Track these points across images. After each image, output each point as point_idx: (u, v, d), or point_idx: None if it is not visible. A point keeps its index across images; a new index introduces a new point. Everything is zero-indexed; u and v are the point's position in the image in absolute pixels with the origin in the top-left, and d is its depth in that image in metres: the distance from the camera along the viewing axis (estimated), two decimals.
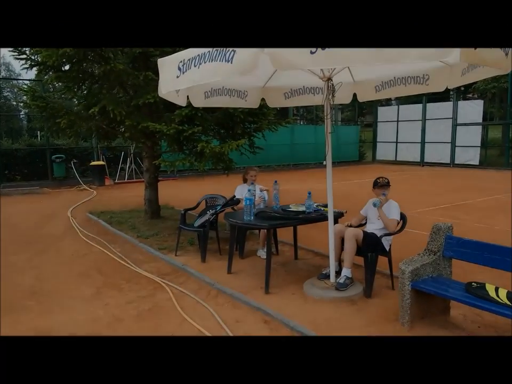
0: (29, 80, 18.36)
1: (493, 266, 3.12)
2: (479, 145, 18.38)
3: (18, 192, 11.69)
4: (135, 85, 6.25)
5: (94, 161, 13.92)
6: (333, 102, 3.85)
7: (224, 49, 2.61)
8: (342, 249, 4.12)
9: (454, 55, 2.33)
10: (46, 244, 6.16)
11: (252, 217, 4.20)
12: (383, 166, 20.57)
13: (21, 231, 7.02)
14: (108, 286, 4.39)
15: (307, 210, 4.34)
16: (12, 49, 6.10)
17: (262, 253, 5.17)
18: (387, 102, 27.19)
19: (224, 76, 2.66)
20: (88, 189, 12.47)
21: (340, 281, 3.94)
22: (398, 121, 21.54)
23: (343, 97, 4.66)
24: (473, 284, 3.09)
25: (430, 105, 20.08)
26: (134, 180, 14.04)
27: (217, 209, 5.26)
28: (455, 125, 18.89)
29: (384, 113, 22.61)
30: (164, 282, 4.42)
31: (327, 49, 2.40)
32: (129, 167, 14.46)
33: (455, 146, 18.94)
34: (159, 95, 3.75)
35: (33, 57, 6.22)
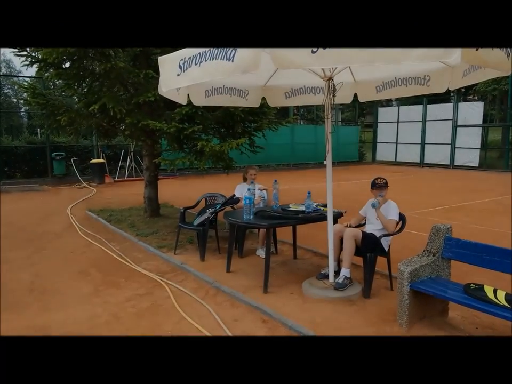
0: (29, 77, 18.34)
1: (492, 268, 3.12)
2: (479, 147, 18.39)
3: (18, 189, 11.68)
4: (135, 83, 6.24)
5: (94, 159, 13.92)
6: (334, 102, 3.85)
7: (226, 47, 2.61)
8: (341, 249, 4.12)
9: (455, 55, 2.33)
10: (46, 241, 6.16)
11: (251, 217, 4.20)
12: (382, 166, 20.58)
13: (21, 228, 7.01)
14: (106, 284, 4.39)
15: (306, 210, 4.34)
16: None
17: (261, 252, 5.17)
18: (387, 103, 27.21)
19: (225, 74, 2.66)
20: (88, 186, 12.47)
21: (339, 281, 3.94)
22: (398, 122, 21.55)
23: (343, 97, 4.65)
24: (471, 285, 3.09)
25: (430, 107, 20.09)
26: (134, 178, 14.04)
27: (217, 208, 5.26)
28: (455, 127, 18.90)
29: (384, 114, 22.62)
30: (162, 281, 4.42)
31: (328, 48, 2.40)
32: (129, 165, 14.46)
33: (455, 147, 18.95)
34: (160, 93, 3.75)
35: (33, 54, 6.22)
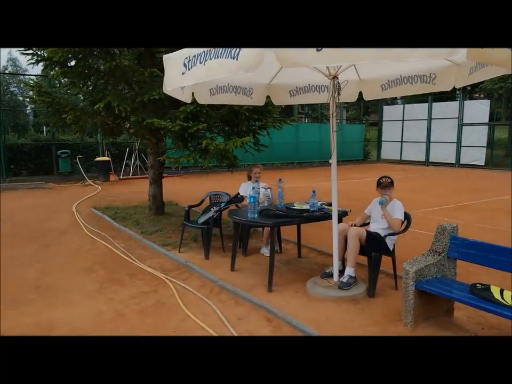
0: (35, 75, 18.44)
1: (498, 268, 3.10)
2: (485, 145, 18.26)
3: (24, 187, 11.74)
4: (140, 81, 6.25)
5: (99, 156, 13.97)
6: (339, 100, 3.83)
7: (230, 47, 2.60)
8: (346, 248, 4.10)
9: (461, 53, 2.31)
10: (51, 238, 6.19)
11: (256, 215, 4.19)
12: (387, 165, 20.51)
13: (26, 225, 7.05)
14: (111, 281, 4.41)
15: (311, 209, 4.32)
16: None
17: (266, 251, 5.17)
18: (392, 101, 27.07)
19: (229, 73, 2.65)
20: (93, 184, 12.53)
21: (343, 280, 3.93)
22: (403, 120, 21.45)
23: (348, 96, 4.63)
24: (477, 285, 3.07)
25: (436, 105, 19.97)
26: (139, 176, 14.07)
27: (221, 207, 5.26)
28: (461, 125, 18.79)
29: (389, 112, 22.52)
30: (167, 279, 4.43)
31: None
32: (134, 163, 14.50)
33: (461, 146, 18.84)
34: (164, 91, 3.74)
35: (39, 53, 6.24)
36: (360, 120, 25.84)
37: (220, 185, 9.56)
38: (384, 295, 3.97)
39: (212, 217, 5.16)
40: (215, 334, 3.21)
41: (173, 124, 5.53)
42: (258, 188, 4.69)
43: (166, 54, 3.47)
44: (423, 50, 2.32)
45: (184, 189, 11.28)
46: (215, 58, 2.66)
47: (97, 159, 13.58)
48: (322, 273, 4.23)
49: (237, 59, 2.50)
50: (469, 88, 22.70)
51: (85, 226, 6.91)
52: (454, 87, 3.86)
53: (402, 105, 22.13)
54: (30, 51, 6.22)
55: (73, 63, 6.35)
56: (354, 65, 4.27)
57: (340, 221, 4.29)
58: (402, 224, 4.08)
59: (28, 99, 26.26)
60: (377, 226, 4.12)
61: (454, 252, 3.37)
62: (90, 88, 6.94)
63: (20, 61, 39.45)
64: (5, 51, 38.88)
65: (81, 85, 6.75)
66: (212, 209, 5.33)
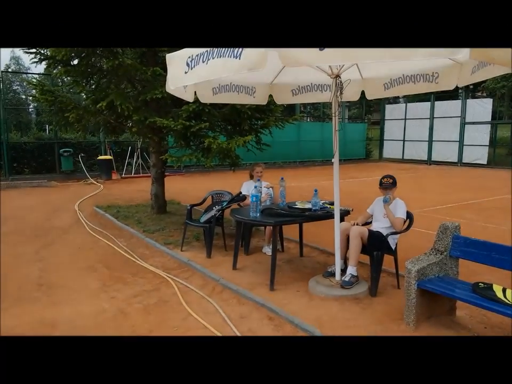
0: (38, 74, 18.47)
1: (501, 266, 3.10)
2: (488, 144, 18.22)
3: (26, 185, 11.78)
4: (142, 80, 6.26)
5: (101, 155, 14.00)
6: (341, 99, 3.83)
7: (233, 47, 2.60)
8: (348, 247, 4.11)
9: (463, 53, 2.31)
10: (53, 236, 6.21)
11: (258, 214, 4.20)
12: (390, 164, 20.48)
13: (29, 223, 7.07)
14: (113, 280, 4.42)
15: (313, 208, 4.33)
16: None
17: (268, 250, 5.18)
18: (395, 100, 27.00)
19: (232, 72, 2.65)
20: (95, 183, 12.55)
21: (345, 279, 3.94)
22: (405, 119, 21.41)
23: (351, 95, 4.62)
24: (480, 284, 3.07)
25: (438, 103, 19.92)
26: (141, 175, 14.10)
27: (223, 205, 5.26)
28: (463, 124, 18.75)
29: (391, 111, 22.48)
30: (169, 277, 4.44)
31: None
32: (136, 162, 14.52)
33: (463, 145, 18.80)
34: (167, 90, 3.75)
35: (42, 52, 6.25)
36: (362, 119, 25.80)
37: (221, 184, 9.57)
38: (386, 294, 3.97)
39: (214, 216, 5.16)
40: (217, 333, 3.22)
41: (175, 123, 5.54)
42: (261, 187, 4.69)
43: (168, 53, 3.48)
44: (425, 49, 2.32)
45: (186, 188, 11.30)
46: (218, 57, 2.66)
47: (100, 157, 13.61)
48: (324, 272, 4.23)
49: (239, 58, 2.51)
50: (471, 87, 22.63)
51: (87, 224, 6.92)
52: (456, 86, 3.85)
53: (405, 104, 22.08)
54: (33, 50, 6.23)
55: (76, 61, 6.37)
56: (356, 64, 4.26)
57: (342, 220, 4.29)
58: (404, 223, 4.08)
59: (30, 97, 26.33)
60: (380, 225, 4.12)
61: (456, 251, 3.37)
62: (93, 86, 6.95)
63: (22, 59, 39.52)
64: (8, 49, 38.95)
65: (84, 84, 6.76)
66: (214, 208, 5.34)
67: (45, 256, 5.27)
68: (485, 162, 18.03)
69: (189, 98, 3.99)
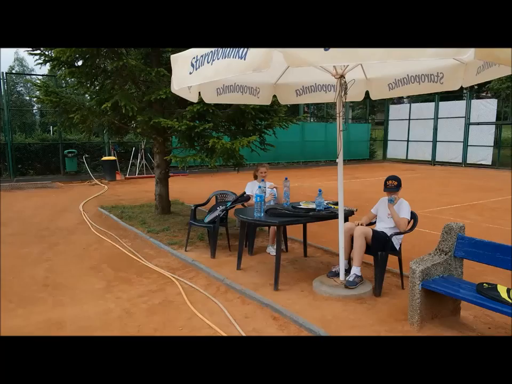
0: (41, 75, 18.56)
1: (505, 267, 3.09)
2: (492, 145, 18.15)
3: (31, 186, 11.84)
4: (147, 80, 6.28)
5: (105, 156, 14.05)
6: (345, 99, 3.83)
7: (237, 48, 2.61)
8: (352, 247, 4.11)
9: (469, 53, 2.31)
10: (59, 237, 6.24)
11: (262, 214, 4.21)
12: (393, 164, 20.44)
13: (34, 224, 7.11)
14: (118, 280, 4.44)
15: (317, 208, 4.33)
16: None
17: (272, 250, 5.19)
18: (399, 100, 26.97)
19: (237, 72, 2.66)
20: (100, 183, 12.60)
21: (349, 279, 3.94)
22: (409, 119, 21.35)
23: (355, 95, 4.63)
24: (484, 284, 3.07)
25: (442, 104, 19.86)
26: (145, 175, 14.15)
27: (227, 206, 5.28)
28: (467, 124, 18.68)
29: (395, 111, 22.42)
30: (174, 277, 4.46)
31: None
32: (140, 163, 14.57)
33: (468, 145, 18.73)
34: (172, 91, 3.77)
35: (47, 53, 6.29)
36: (366, 119, 25.75)
37: (225, 184, 9.59)
38: (391, 294, 3.97)
39: (218, 216, 5.17)
40: (222, 332, 3.23)
41: (179, 124, 5.55)
42: (265, 187, 4.70)
43: (172, 53, 3.50)
44: (430, 49, 2.32)
45: (190, 188, 11.32)
46: (222, 58, 2.68)
47: (104, 158, 13.66)
48: (329, 272, 4.24)
49: (244, 59, 2.52)
50: (476, 87, 22.54)
51: (92, 225, 6.95)
52: (461, 87, 3.85)
53: (409, 104, 22.02)
54: (38, 51, 6.27)
55: (80, 63, 6.40)
56: (361, 65, 4.27)
57: (346, 220, 4.29)
58: (408, 224, 4.08)
59: (34, 99, 26.39)
60: (384, 225, 4.12)
61: (461, 251, 3.37)
62: (97, 88, 6.97)
63: (26, 61, 39.67)
64: (12, 51, 39.13)
65: (88, 85, 6.79)
66: (218, 208, 5.35)
67: (51, 256, 5.30)
68: (490, 163, 17.95)
69: (194, 98, 4.01)
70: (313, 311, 3.58)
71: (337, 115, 3.92)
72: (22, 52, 38.84)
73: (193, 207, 5.55)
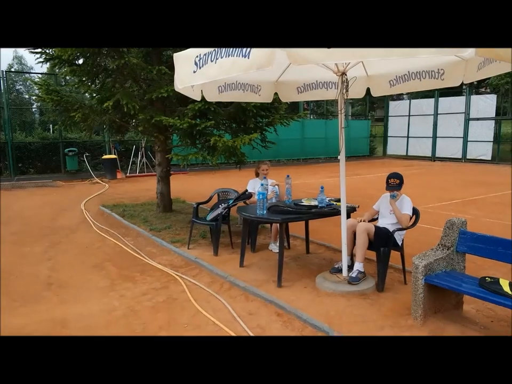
0: (41, 73, 18.52)
1: (508, 261, 3.12)
2: (492, 140, 18.17)
3: (32, 185, 11.85)
4: (148, 79, 6.29)
5: (106, 154, 14.05)
6: (347, 96, 3.85)
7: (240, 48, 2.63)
8: (354, 243, 4.13)
9: (469, 49, 2.32)
10: (61, 235, 6.26)
11: (265, 211, 4.23)
12: (394, 160, 20.45)
13: (36, 223, 7.13)
14: (122, 278, 4.46)
15: (320, 205, 4.35)
16: None
17: (274, 247, 5.21)
18: (398, 97, 26.95)
19: (241, 71, 2.68)
20: (100, 182, 12.61)
21: (352, 275, 3.96)
22: (409, 115, 21.35)
23: (356, 92, 4.63)
24: (487, 278, 3.10)
25: (442, 100, 19.87)
26: (145, 174, 14.16)
27: (230, 203, 5.30)
28: (467, 120, 18.69)
29: (395, 107, 22.42)
30: (177, 275, 4.48)
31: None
32: (140, 161, 14.58)
33: (467, 141, 18.75)
34: (176, 89, 3.77)
35: (48, 51, 6.29)
36: (366, 116, 25.74)
37: (226, 182, 9.60)
38: (393, 289, 3.99)
39: (221, 214, 5.19)
40: (226, 329, 3.26)
41: (181, 122, 5.57)
42: (267, 185, 4.72)
43: (173, 51, 3.50)
44: (431, 48, 2.33)
45: (191, 187, 11.34)
46: (226, 56, 2.69)
47: (104, 157, 13.67)
48: (331, 269, 4.26)
49: (248, 57, 2.53)
50: (475, 83, 22.54)
51: (94, 224, 6.97)
52: (462, 82, 3.86)
53: (409, 101, 22.01)
54: (38, 50, 6.27)
55: (81, 61, 6.41)
56: (362, 62, 4.27)
57: (348, 216, 4.32)
58: (410, 220, 4.10)
59: (34, 97, 26.33)
60: (386, 221, 4.14)
61: (463, 246, 3.40)
62: (98, 86, 6.98)
63: (25, 59, 39.61)
64: (11, 49, 39.05)
65: (89, 83, 6.80)
66: (220, 206, 5.37)
67: (53, 255, 5.32)
68: (489, 158, 17.99)
69: (197, 97, 4.02)
70: (317, 307, 3.61)
71: (339, 112, 3.94)
72: (23, 51, 38.81)
73: (195, 205, 5.57)
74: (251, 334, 3.17)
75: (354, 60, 3.50)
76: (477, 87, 25.04)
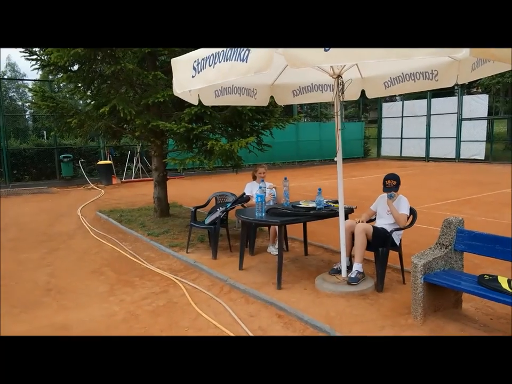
0: (34, 80, 18.49)
1: (506, 258, 3.16)
2: (485, 139, 18.33)
3: (27, 192, 11.80)
4: (143, 84, 6.30)
5: (101, 160, 14.03)
6: (343, 99, 3.89)
7: (239, 48, 2.66)
8: (353, 244, 4.16)
9: (464, 51, 2.36)
10: (58, 242, 6.25)
11: (263, 214, 4.25)
12: (388, 162, 20.55)
13: (32, 229, 7.10)
14: (121, 283, 4.46)
15: (318, 207, 4.38)
16: (23, 49, 6.17)
17: (272, 249, 5.23)
18: (391, 98, 27.10)
19: (239, 75, 2.70)
20: (96, 188, 12.58)
21: (352, 276, 3.99)
22: (402, 117, 21.51)
23: (351, 94, 4.67)
24: (485, 276, 3.13)
25: (434, 100, 20.03)
26: (141, 179, 14.15)
27: (228, 207, 5.31)
28: (460, 120, 18.85)
29: (388, 109, 22.57)
30: (176, 279, 4.49)
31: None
32: (135, 166, 14.57)
33: (461, 141, 18.90)
34: (175, 94, 3.79)
35: (43, 58, 6.30)
36: (359, 118, 25.87)
37: (222, 186, 9.61)
38: (392, 289, 4.02)
39: (219, 218, 5.21)
40: (228, 331, 3.27)
41: (178, 126, 5.58)
42: (265, 187, 4.74)
43: (168, 57, 3.52)
44: (426, 49, 2.37)
45: (187, 191, 11.34)
46: (224, 61, 2.71)
47: (100, 162, 13.65)
48: (330, 270, 4.29)
49: (246, 61, 2.56)
50: (466, 83, 22.71)
51: (91, 229, 6.96)
52: (456, 83, 3.91)
53: (401, 102, 22.16)
54: (34, 56, 6.28)
55: (76, 67, 6.41)
56: (356, 64, 4.32)
57: (346, 217, 4.34)
58: (408, 219, 4.14)
59: (28, 104, 26.26)
60: (384, 221, 4.17)
61: (461, 245, 3.43)
62: (94, 92, 6.98)
63: (18, 66, 39.45)
64: (4, 56, 38.92)
65: (85, 89, 6.80)
66: (218, 209, 5.38)
67: (52, 261, 5.31)
68: (483, 158, 18.13)
69: (194, 101, 4.04)
70: (317, 308, 3.63)
71: (335, 114, 3.97)
72: (14, 57, 38.66)
73: (193, 209, 5.58)
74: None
75: (353, 62, 3.54)
76: (469, 87, 25.23)
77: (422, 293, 3.23)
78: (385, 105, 22.97)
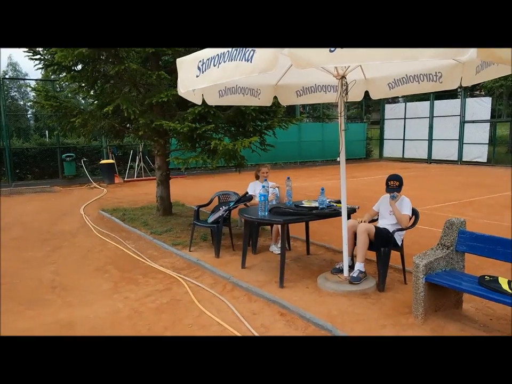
0: (37, 79, 18.54)
1: (506, 260, 3.18)
2: (487, 142, 18.32)
3: (30, 191, 11.85)
4: (147, 84, 6.34)
5: (103, 159, 14.08)
6: (347, 99, 3.92)
7: (244, 48, 2.69)
8: (355, 244, 4.19)
9: (469, 52, 2.38)
10: (62, 240, 6.29)
11: (267, 213, 4.28)
12: (390, 163, 20.56)
13: (36, 228, 7.14)
14: (125, 281, 4.50)
15: (320, 206, 4.41)
16: (27, 49, 6.22)
17: (275, 248, 5.26)
18: (394, 100, 27.08)
19: (243, 75, 2.73)
20: (99, 187, 12.62)
21: (353, 275, 4.02)
22: (405, 118, 21.50)
23: (355, 95, 4.69)
24: (486, 277, 3.16)
25: (437, 103, 20.02)
26: (143, 178, 14.19)
27: (231, 206, 5.35)
28: (462, 122, 18.84)
29: (391, 110, 22.56)
30: (179, 277, 4.52)
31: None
32: (138, 165, 14.61)
33: (463, 143, 18.89)
34: (179, 94, 3.83)
35: (47, 57, 6.34)
36: (362, 119, 25.87)
37: (224, 185, 9.65)
38: (394, 289, 4.05)
39: (222, 216, 5.24)
40: (231, 329, 3.30)
41: (181, 125, 5.62)
42: (268, 187, 4.78)
43: (172, 57, 3.56)
44: (432, 50, 2.39)
45: (189, 190, 11.37)
46: (229, 61, 2.74)
47: (102, 162, 13.69)
48: (333, 269, 4.32)
49: (251, 61, 2.59)
50: (470, 86, 22.70)
51: (94, 228, 7.00)
52: (460, 85, 3.93)
53: (404, 104, 22.15)
54: (38, 56, 6.32)
55: (80, 67, 6.46)
56: (360, 65, 4.34)
57: (348, 217, 4.37)
58: (410, 220, 4.16)
59: (30, 103, 26.35)
60: (386, 222, 4.20)
61: (462, 246, 3.46)
62: (98, 91, 7.03)
63: (20, 66, 39.55)
64: (5, 56, 39.03)
65: (88, 89, 6.85)
66: (221, 208, 5.41)
67: (56, 259, 5.34)
68: (485, 160, 18.12)
69: (198, 101, 4.07)
70: (319, 306, 3.66)
71: (339, 115, 4.00)
72: (15, 57, 38.76)
73: (196, 208, 5.61)
74: (256, 334, 3.22)
75: (358, 63, 3.57)
76: (472, 90, 25.23)
77: (423, 293, 3.26)
78: (387, 107, 22.96)
